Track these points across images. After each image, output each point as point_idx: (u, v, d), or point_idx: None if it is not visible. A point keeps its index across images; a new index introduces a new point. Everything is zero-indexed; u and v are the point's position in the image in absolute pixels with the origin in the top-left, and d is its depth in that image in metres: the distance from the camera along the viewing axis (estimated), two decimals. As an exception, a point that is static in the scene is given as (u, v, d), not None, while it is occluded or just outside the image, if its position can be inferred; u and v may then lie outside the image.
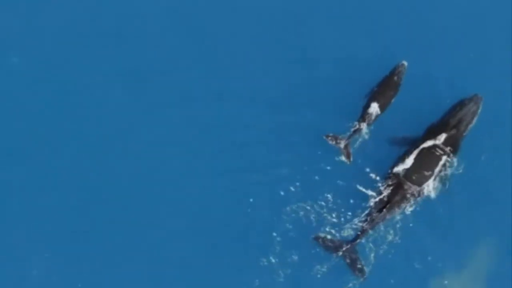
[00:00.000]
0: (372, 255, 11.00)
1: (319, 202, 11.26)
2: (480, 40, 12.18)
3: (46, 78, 12.05)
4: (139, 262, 11.33)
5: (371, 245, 11.05)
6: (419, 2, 12.36)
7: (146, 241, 11.38)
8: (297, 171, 11.48)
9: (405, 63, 11.55)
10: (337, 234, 11.08)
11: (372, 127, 11.39)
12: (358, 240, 10.88)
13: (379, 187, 11.14)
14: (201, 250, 11.34)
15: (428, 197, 11.11)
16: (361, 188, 11.21)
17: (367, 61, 11.98)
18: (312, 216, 11.22)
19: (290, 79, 12.04)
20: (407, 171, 10.99)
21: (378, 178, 11.21)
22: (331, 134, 11.29)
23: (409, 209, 11.06)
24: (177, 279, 11.28)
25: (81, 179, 11.63)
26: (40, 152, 11.71)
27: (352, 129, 11.29)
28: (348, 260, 10.91)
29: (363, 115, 11.34)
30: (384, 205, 10.91)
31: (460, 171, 11.25)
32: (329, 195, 11.29)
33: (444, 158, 11.04)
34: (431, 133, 11.20)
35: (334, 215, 11.19)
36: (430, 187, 11.00)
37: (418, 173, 10.97)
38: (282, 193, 11.41)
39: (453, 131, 11.15)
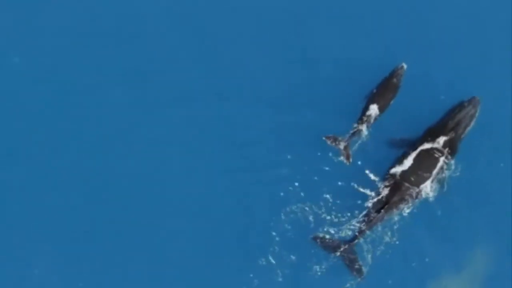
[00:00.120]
0: (370, 255, 11.02)
1: (318, 203, 11.27)
2: (480, 41, 12.14)
3: (46, 78, 12.04)
4: (139, 261, 11.34)
5: (369, 245, 11.05)
6: (419, 2, 12.34)
7: (146, 241, 11.39)
8: (297, 171, 11.49)
9: (404, 65, 11.56)
10: (336, 234, 11.09)
11: (371, 129, 11.37)
12: (356, 241, 10.91)
13: (378, 188, 11.16)
14: (200, 250, 11.35)
15: (426, 198, 11.12)
16: (360, 188, 11.23)
17: (367, 61, 11.95)
18: (311, 216, 11.23)
19: (290, 79, 12.03)
20: (405, 172, 11.02)
21: (377, 179, 11.22)
22: (330, 135, 11.30)
23: (406, 211, 11.07)
24: (177, 279, 11.30)
25: (81, 179, 11.63)
26: (40, 152, 11.71)
27: (352, 131, 11.30)
28: (346, 260, 10.94)
29: (363, 117, 11.35)
30: (382, 206, 10.94)
31: (458, 173, 11.26)
32: (328, 196, 11.30)
33: (442, 159, 11.06)
34: (429, 135, 11.21)
35: (333, 216, 11.20)
36: (428, 189, 11.02)
37: (416, 175, 11.00)
38: (281, 193, 11.42)
39: (451, 133, 11.16)
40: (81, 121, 11.87)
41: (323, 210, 11.23)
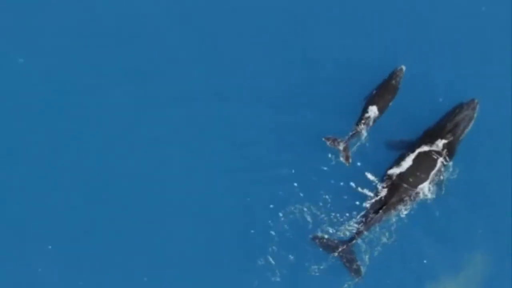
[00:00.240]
0: (368, 256, 11.04)
1: (317, 203, 11.28)
2: (479, 42, 12.10)
3: (46, 78, 12.04)
4: (138, 260, 11.37)
5: (367, 246, 11.07)
6: (419, 2, 12.32)
7: (146, 241, 11.41)
8: (297, 172, 11.50)
9: (403, 67, 11.57)
10: (335, 235, 11.10)
11: (371, 130, 11.37)
12: (354, 241, 10.94)
13: (376, 189, 11.17)
14: (199, 250, 11.37)
15: (424, 200, 11.14)
16: (359, 189, 11.24)
17: (367, 62, 11.94)
18: (309, 217, 11.25)
19: (290, 79, 12.02)
20: (403, 173, 11.04)
21: (376, 180, 11.23)
22: (330, 136, 11.31)
23: (404, 212, 11.09)
24: (176, 279, 11.32)
25: (81, 179, 11.65)
26: (40, 152, 11.73)
27: (351, 133, 11.31)
28: (344, 261, 10.97)
29: (362, 118, 11.36)
30: (381, 207, 10.96)
31: (455, 176, 11.27)
32: (327, 196, 11.31)
33: (440, 161, 11.07)
34: (428, 137, 11.23)
35: (331, 216, 11.21)
36: (426, 190, 11.04)
37: (414, 176, 11.02)
38: (280, 193, 11.43)
39: (449, 135, 11.18)
40: (81, 121, 11.87)
41: (322, 210, 11.24)
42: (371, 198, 11.11)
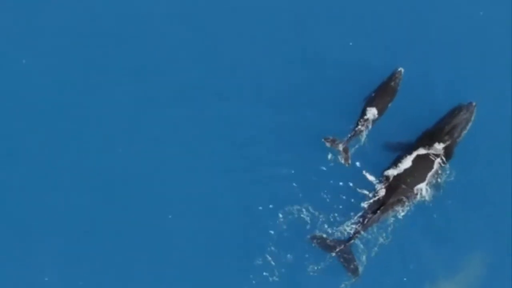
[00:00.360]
0: (365, 256, 11.06)
1: (316, 203, 11.29)
2: (479, 42, 12.13)
3: (46, 78, 12.06)
4: (138, 260, 11.37)
5: (365, 246, 11.08)
6: (419, 4, 12.33)
7: (145, 240, 11.42)
8: (296, 172, 11.50)
9: (402, 69, 11.60)
10: (333, 235, 11.11)
11: (371, 131, 11.40)
12: (352, 241, 10.97)
13: (375, 189, 11.19)
14: (199, 249, 11.38)
15: (423, 201, 11.15)
16: (358, 189, 11.25)
17: (367, 62, 11.96)
18: (308, 217, 11.25)
19: (290, 79, 12.03)
20: (401, 174, 11.08)
21: (375, 180, 11.24)
22: (329, 137, 11.33)
23: (401, 213, 11.12)
24: (176, 278, 11.33)
25: (81, 178, 11.65)
26: (40, 152, 11.74)
27: (350, 134, 11.33)
28: (342, 260, 11.00)
29: (361, 119, 11.39)
30: (378, 207, 10.98)
31: (452, 178, 11.29)
32: (326, 196, 11.33)
33: (437, 162, 11.12)
34: (426, 138, 11.27)
35: (330, 216, 11.22)
36: (423, 191, 11.08)
37: (411, 177, 11.06)
38: (280, 193, 11.43)
39: (447, 137, 11.21)
40: (81, 121, 11.88)
41: (321, 210, 11.25)
42: (370, 198, 11.12)
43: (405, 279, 11.15)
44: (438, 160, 11.12)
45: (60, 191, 11.59)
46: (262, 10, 12.36)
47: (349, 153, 11.31)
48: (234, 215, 11.46)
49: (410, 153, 11.19)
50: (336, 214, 11.22)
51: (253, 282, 11.12)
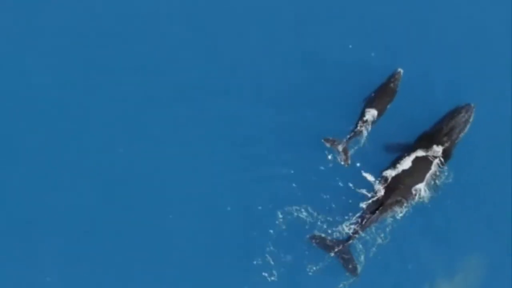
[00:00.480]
0: (363, 256, 11.07)
1: (316, 203, 11.30)
2: (478, 43, 12.17)
3: (46, 78, 12.08)
4: (138, 259, 11.38)
5: (363, 246, 11.10)
6: (419, 5, 12.34)
7: (145, 240, 11.43)
8: (296, 171, 11.52)
9: (401, 70, 11.64)
10: (332, 235, 11.12)
11: (370, 131, 11.41)
12: (350, 241, 10.99)
13: (374, 189, 11.20)
14: (198, 249, 11.39)
15: (422, 201, 11.17)
16: (357, 190, 11.26)
17: (367, 62, 12.00)
18: (307, 216, 11.26)
19: (290, 79, 12.05)
20: (399, 175, 11.12)
21: (374, 180, 11.24)
22: (329, 138, 11.35)
23: (400, 214, 11.14)
24: (176, 278, 11.34)
25: (81, 178, 11.67)
26: (41, 151, 11.76)
27: (349, 135, 11.35)
28: (341, 260, 11.03)
29: (360, 120, 11.41)
30: (377, 208, 11.00)
31: (450, 180, 11.30)
32: (325, 196, 11.33)
33: (435, 163, 11.15)
34: (424, 140, 11.31)
35: (329, 216, 11.23)
36: (422, 192, 11.10)
37: (410, 177, 11.10)
38: (279, 193, 11.45)
39: (445, 139, 11.24)
40: (81, 120, 11.91)
41: (320, 210, 11.26)
42: (369, 198, 11.14)
43: (404, 279, 11.17)
44: (437, 161, 11.15)
45: (60, 191, 11.60)
46: (262, 10, 12.38)
47: (349, 154, 11.32)
48: (233, 215, 11.47)
49: (409, 154, 11.22)
50: (335, 214, 11.23)
51: (252, 281, 11.13)
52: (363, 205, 11.13)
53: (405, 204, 11.11)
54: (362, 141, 11.41)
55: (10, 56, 12.15)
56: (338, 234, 11.10)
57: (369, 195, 11.17)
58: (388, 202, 11.04)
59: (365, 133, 11.38)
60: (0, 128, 11.86)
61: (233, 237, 11.39)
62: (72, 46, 12.19)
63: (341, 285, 11.03)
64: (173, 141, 11.82)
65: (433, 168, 11.15)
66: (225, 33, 12.30)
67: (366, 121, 11.38)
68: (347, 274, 11.01)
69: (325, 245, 11.04)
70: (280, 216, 11.30)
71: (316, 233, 11.15)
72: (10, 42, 12.22)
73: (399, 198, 11.07)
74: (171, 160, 11.73)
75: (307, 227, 11.24)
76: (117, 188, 11.62)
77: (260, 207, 11.42)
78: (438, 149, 11.17)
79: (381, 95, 11.53)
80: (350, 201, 11.26)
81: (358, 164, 11.39)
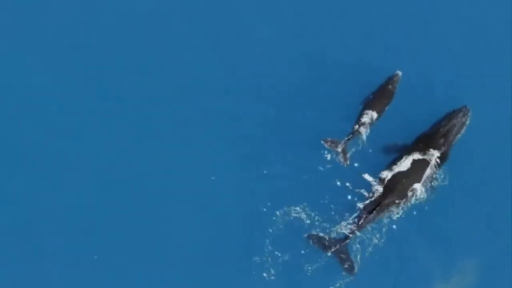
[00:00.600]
0: (359, 256, 11.07)
1: (314, 202, 11.30)
2: (478, 46, 12.17)
3: (47, 77, 12.09)
4: (138, 259, 11.37)
5: (360, 246, 11.10)
6: (419, 5, 12.33)
7: (146, 240, 11.43)
8: (295, 171, 11.51)
9: (400, 72, 11.65)
10: (330, 234, 11.13)
11: (369, 133, 11.43)
12: (348, 240, 11.03)
13: (372, 190, 11.21)
14: (197, 248, 11.38)
15: (418, 202, 11.18)
16: (356, 190, 11.27)
17: (367, 62, 11.97)
18: (305, 216, 11.27)
19: (290, 79, 12.04)
20: (396, 175, 11.14)
21: (372, 181, 11.25)
22: (328, 138, 11.36)
23: (396, 215, 11.16)
24: (176, 278, 11.32)
25: (81, 178, 11.65)
26: (40, 152, 11.75)
27: (348, 136, 11.37)
28: (339, 259, 11.06)
29: (359, 121, 11.43)
30: (374, 208, 11.03)
31: (446, 182, 11.30)
32: (324, 196, 11.33)
33: (432, 164, 11.17)
34: (421, 142, 11.33)
35: (327, 215, 11.24)
36: (418, 192, 11.12)
37: (406, 178, 11.12)
38: (278, 192, 11.43)
39: (442, 141, 11.26)
40: (81, 120, 11.90)
41: (318, 210, 11.26)
42: (366, 199, 11.16)
43: (401, 279, 11.16)
44: (433, 162, 11.16)
45: (60, 191, 11.60)
46: (262, 10, 12.38)
47: (348, 154, 11.33)
48: (232, 214, 11.46)
49: (406, 155, 11.24)
50: (333, 214, 11.23)
51: (251, 280, 11.13)
52: (361, 205, 11.15)
53: (401, 205, 11.14)
54: (361, 142, 11.41)
55: (10, 56, 12.18)
56: (336, 234, 11.11)
57: (367, 195, 11.18)
58: (385, 203, 11.07)
59: (363, 134, 11.40)
60: (0, 128, 11.88)
61: (232, 236, 11.38)
62: (72, 46, 12.20)
63: (338, 284, 11.03)
64: (173, 140, 11.82)
65: (430, 169, 11.17)
66: (225, 33, 12.30)
67: (364, 123, 11.39)
68: (344, 273, 11.03)
69: (322, 245, 11.07)
70: (278, 215, 11.30)
71: (314, 232, 11.17)
72: (10, 42, 12.24)
73: (395, 199, 11.09)
74: (171, 160, 11.73)
75: (305, 226, 11.25)
76: (117, 188, 11.62)
77: (258, 206, 11.41)
78: (434, 153, 11.20)
79: (379, 97, 11.54)
80: (349, 200, 11.27)
81: (356, 165, 11.40)
